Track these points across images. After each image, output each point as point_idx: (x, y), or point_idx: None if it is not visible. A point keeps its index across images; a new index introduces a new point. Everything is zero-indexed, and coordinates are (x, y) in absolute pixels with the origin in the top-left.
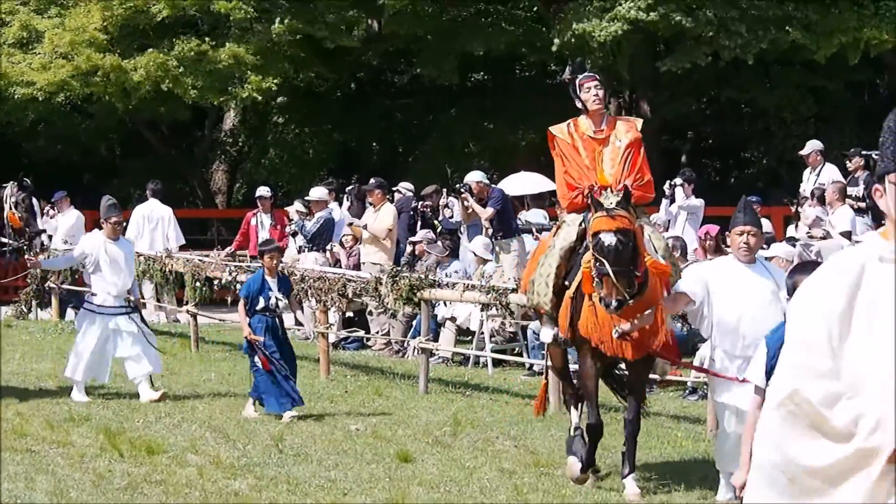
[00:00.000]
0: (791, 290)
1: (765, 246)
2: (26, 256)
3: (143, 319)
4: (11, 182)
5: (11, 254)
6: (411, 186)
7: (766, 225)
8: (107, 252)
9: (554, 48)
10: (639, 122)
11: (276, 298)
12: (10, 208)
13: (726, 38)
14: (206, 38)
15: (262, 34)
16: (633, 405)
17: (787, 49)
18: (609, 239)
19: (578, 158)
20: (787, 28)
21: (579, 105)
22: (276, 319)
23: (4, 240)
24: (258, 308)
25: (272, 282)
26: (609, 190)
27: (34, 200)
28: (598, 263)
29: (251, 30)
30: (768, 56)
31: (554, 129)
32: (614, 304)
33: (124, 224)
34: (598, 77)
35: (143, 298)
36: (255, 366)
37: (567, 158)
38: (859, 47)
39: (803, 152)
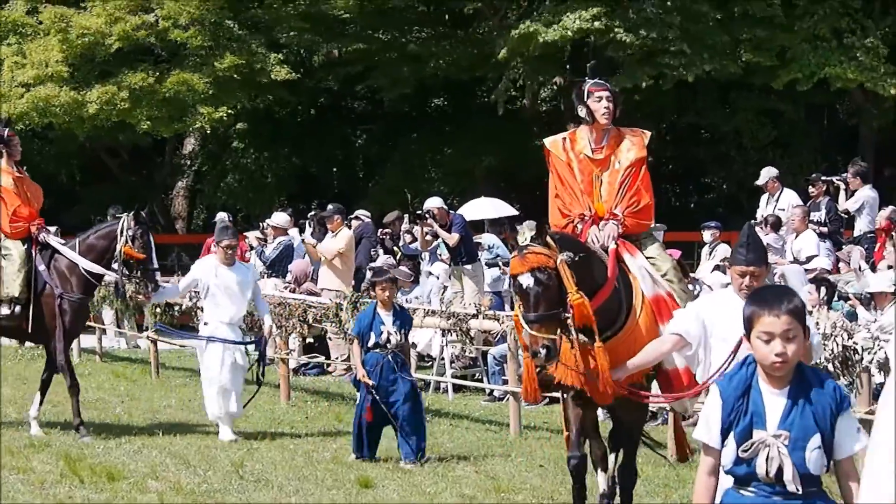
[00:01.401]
0: (747, 323)
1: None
2: (136, 293)
3: (263, 353)
4: (126, 214)
5: (118, 289)
6: (368, 213)
7: (726, 251)
8: (218, 277)
9: (501, 55)
10: (647, 137)
11: (388, 333)
12: (127, 241)
13: (670, 58)
14: (165, 65)
15: (214, 66)
16: (624, 451)
17: (743, 71)
18: (525, 281)
19: (573, 181)
20: (738, 51)
21: (582, 113)
22: (393, 357)
23: (103, 271)
24: (369, 345)
25: (385, 315)
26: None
27: (150, 236)
28: (522, 310)
29: (205, 60)
30: (725, 79)
31: (548, 143)
32: (542, 353)
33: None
34: (608, 86)
35: (103, 324)
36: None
37: (561, 180)
38: (815, 80)
39: (759, 182)
